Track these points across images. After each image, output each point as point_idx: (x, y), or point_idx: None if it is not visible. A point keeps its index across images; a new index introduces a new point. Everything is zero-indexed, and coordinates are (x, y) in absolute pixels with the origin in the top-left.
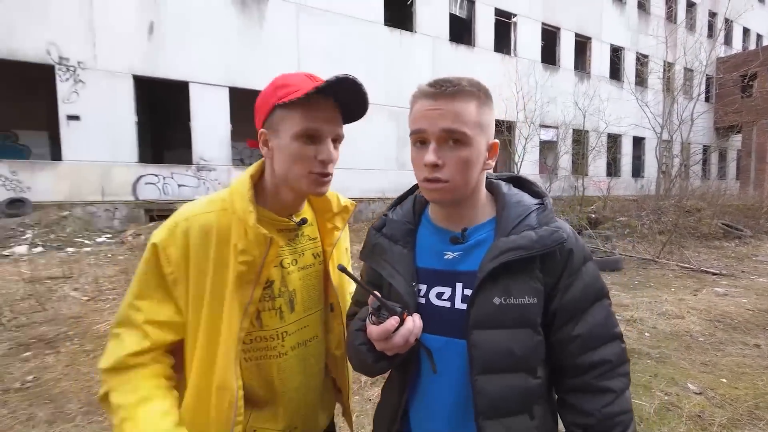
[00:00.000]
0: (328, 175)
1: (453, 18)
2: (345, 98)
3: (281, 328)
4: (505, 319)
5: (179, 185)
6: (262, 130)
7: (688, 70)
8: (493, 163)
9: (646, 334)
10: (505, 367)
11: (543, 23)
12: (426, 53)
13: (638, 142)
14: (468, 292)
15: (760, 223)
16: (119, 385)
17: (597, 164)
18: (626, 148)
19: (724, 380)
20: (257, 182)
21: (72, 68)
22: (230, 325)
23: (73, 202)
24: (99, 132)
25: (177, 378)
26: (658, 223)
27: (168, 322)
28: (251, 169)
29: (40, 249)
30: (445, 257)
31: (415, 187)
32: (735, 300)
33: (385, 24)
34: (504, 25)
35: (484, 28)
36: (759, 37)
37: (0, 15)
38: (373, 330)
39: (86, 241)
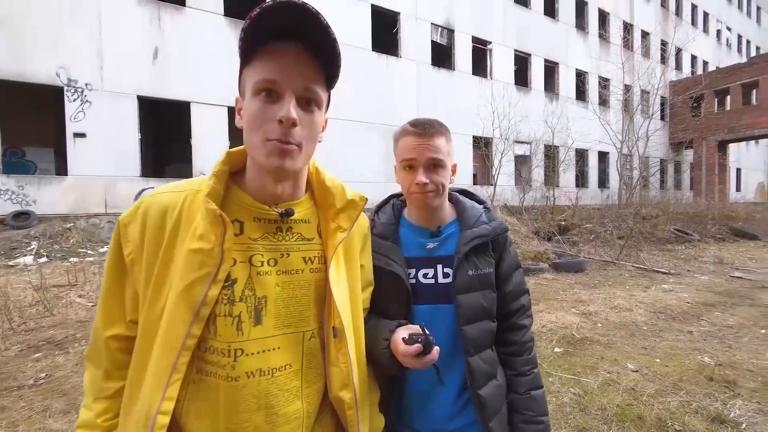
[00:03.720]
0: (288, 143)
1: (434, 44)
2: (314, 42)
3: (236, 343)
4: (476, 285)
5: None
6: (236, 97)
7: (644, 92)
8: (455, 178)
9: (599, 324)
10: (479, 317)
11: (516, 50)
12: (411, 76)
13: (603, 157)
14: (447, 270)
15: (706, 228)
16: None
17: (567, 176)
18: (592, 162)
19: (658, 360)
20: (240, 160)
21: (80, 89)
22: (170, 328)
23: (77, 215)
24: (104, 148)
25: None
26: (618, 229)
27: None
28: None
29: (44, 259)
30: (427, 247)
31: (391, 197)
32: (678, 295)
33: (373, 50)
34: (480, 51)
35: (463, 54)
36: (705, 63)
37: (13, 40)
38: (415, 361)
39: (89, 252)
